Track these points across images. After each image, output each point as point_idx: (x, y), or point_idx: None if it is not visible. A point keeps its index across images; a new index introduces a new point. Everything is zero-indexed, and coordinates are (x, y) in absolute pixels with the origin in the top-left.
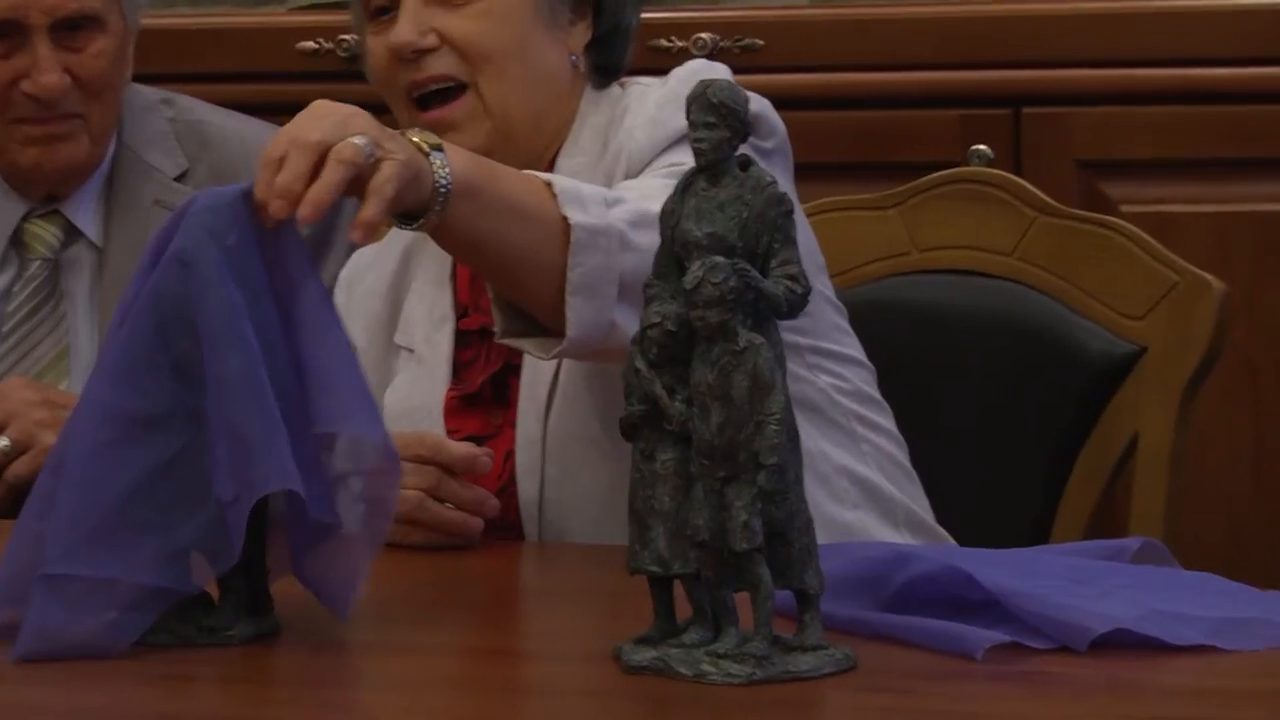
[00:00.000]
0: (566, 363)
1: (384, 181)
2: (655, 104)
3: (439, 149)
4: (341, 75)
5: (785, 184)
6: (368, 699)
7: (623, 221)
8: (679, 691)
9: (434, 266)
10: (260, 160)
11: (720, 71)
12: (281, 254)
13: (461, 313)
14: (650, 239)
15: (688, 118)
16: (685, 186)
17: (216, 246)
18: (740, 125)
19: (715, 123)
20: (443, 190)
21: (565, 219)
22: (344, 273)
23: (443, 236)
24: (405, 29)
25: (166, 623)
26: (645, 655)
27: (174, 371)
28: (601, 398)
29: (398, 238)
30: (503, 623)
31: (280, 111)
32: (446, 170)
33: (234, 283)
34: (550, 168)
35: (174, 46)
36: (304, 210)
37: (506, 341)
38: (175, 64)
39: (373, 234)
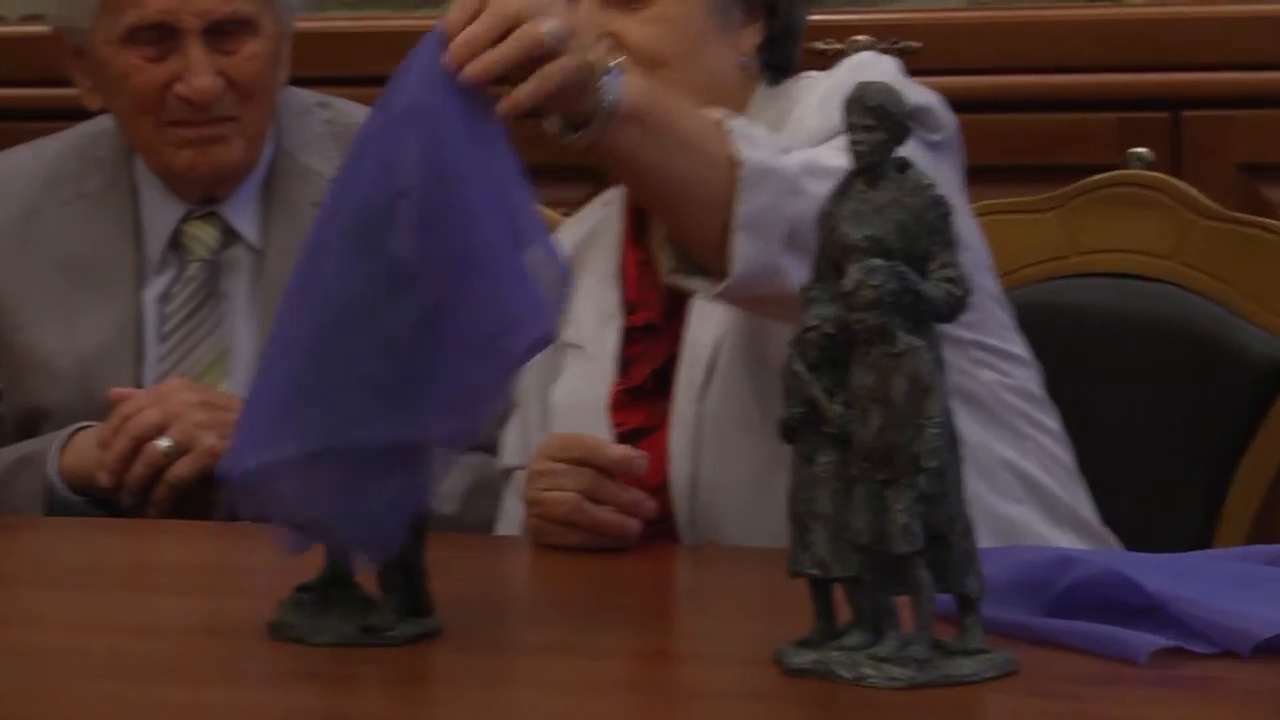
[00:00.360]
0: (725, 345)
1: (553, 70)
2: (821, 96)
3: (616, 70)
4: None
5: (955, 177)
6: (529, 700)
7: (795, 166)
8: (840, 694)
9: (602, 263)
10: None
11: (888, 65)
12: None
13: (629, 310)
14: (821, 188)
15: (845, 120)
16: (843, 190)
17: (436, 101)
18: (898, 127)
19: (873, 125)
20: (606, 107)
21: (736, 156)
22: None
23: (608, 158)
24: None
25: (328, 623)
26: (806, 658)
27: (408, 227)
28: (759, 380)
29: (565, 237)
30: (662, 625)
31: None
32: (616, 90)
33: (461, 131)
34: None
35: (330, 50)
36: (472, 68)
37: (673, 280)
38: (331, 67)
39: (518, 111)
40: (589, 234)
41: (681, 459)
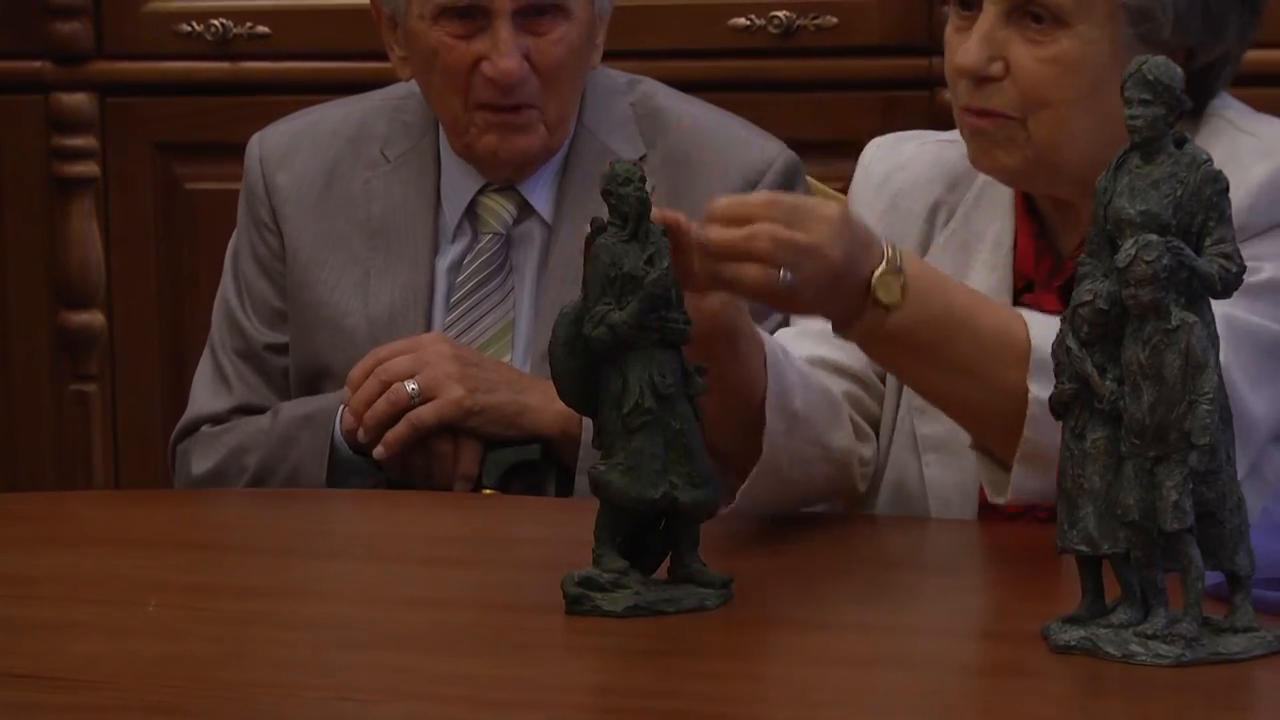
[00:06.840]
0: None
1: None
2: (1266, 178)
3: (889, 306)
4: (771, 52)
5: None
6: (797, 675)
7: None
8: (1107, 671)
9: (989, 225)
10: None
11: None
12: None
13: (1024, 286)
14: None
15: (1122, 94)
16: (1119, 164)
17: None
18: (1176, 102)
19: (1150, 99)
20: (870, 322)
21: (1027, 385)
22: (885, 166)
23: (878, 362)
24: (974, 50)
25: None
26: (1073, 634)
27: None
28: None
29: (943, 157)
30: (930, 600)
31: (712, 89)
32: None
33: None
34: None
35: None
36: None
37: (976, 450)
38: (611, 41)
39: None
40: (967, 172)
41: None
